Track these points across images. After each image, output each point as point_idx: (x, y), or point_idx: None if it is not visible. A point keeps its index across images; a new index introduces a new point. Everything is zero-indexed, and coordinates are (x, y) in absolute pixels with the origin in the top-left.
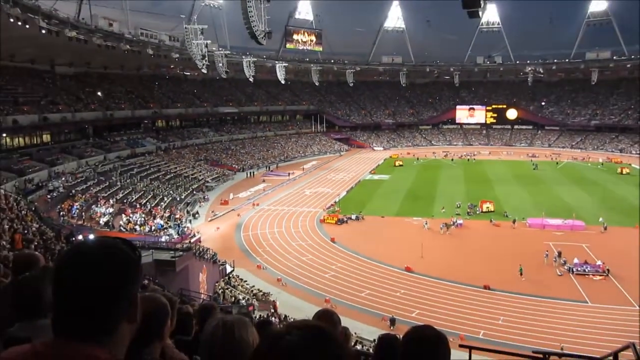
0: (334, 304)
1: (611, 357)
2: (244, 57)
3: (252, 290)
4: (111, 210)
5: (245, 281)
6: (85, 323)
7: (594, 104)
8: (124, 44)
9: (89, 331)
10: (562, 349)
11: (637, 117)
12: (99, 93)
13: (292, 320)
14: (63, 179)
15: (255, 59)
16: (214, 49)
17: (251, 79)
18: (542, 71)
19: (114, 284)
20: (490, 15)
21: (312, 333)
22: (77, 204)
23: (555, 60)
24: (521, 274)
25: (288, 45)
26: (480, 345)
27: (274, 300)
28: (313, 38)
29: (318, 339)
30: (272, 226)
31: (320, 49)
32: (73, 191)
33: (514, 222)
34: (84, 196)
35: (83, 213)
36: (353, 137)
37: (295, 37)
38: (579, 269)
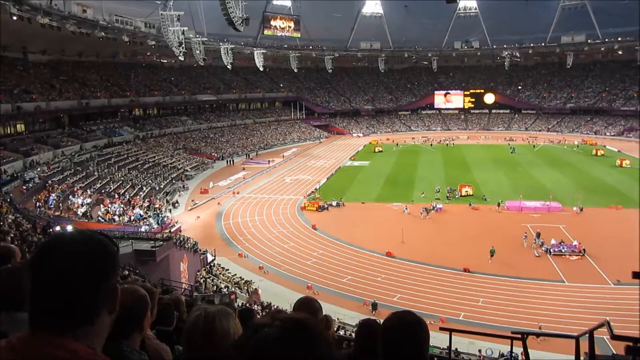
0: (316, 290)
1: (587, 335)
2: (221, 44)
3: (233, 279)
4: (89, 200)
5: (227, 270)
6: (63, 316)
7: (569, 87)
8: (99, 30)
9: (67, 324)
10: (540, 328)
11: (611, 99)
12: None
13: (275, 307)
14: (39, 169)
15: (233, 46)
16: (191, 35)
17: (229, 66)
18: (518, 55)
19: (92, 275)
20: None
21: (291, 325)
22: (53, 194)
23: (532, 44)
24: (492, 256)
25: (266, 32)
26: (460, 327)
27: (256, 289)
28: (291, 24)
29: (297, 331)
30: (253, 214)
31: (299, 35)
32: (49, 182)
33: (498, 205)
34: (60, 187)
35: (60, 204)
36: (332, 124)
37: (273, 23)
38: (556, 249)
